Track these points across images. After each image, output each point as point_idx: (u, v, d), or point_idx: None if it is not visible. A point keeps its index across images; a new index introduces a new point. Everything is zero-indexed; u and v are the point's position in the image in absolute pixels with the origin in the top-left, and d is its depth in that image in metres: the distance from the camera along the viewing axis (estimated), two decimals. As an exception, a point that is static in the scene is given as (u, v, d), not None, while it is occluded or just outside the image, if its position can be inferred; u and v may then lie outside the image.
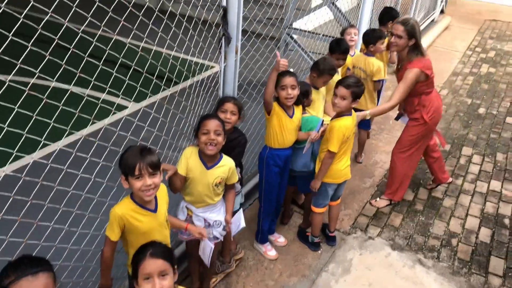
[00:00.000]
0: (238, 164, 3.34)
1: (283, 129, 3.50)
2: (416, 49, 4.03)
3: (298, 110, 3.60)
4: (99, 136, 2.61)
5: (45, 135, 2.32)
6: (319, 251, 4.05)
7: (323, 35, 6.12)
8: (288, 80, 3.37)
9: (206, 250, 2.89)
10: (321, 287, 3.68)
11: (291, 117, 3.51)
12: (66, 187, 2.55)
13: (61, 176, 2.47)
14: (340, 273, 3.82)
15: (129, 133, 2.88)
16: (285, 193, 4.01)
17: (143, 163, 2.24)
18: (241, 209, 3.29)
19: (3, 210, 2.17)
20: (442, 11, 11.92)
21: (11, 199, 2.22)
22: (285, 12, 6.65)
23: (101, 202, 2.79)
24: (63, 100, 2.34)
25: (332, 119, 3.64)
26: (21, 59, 1.95)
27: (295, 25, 6.77)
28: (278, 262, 3.91)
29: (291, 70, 3.46)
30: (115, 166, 2.75)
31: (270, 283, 3.70)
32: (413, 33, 3.97)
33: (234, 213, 3.19)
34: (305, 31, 6.45)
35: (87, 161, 2.61)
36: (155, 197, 2.45)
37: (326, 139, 3.58)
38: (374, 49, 4.77)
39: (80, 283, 2.73)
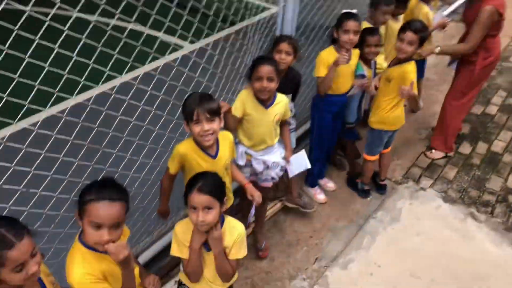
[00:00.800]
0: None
1: (339, 74, 3.44)
2: None
3: (354, 55, 3.51)
4: (158, 70, 2.70)
5: (108, 68, 2.42)
6: (368, 199, 4.06)
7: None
8: (352, 25, 3.27)
9: (252, 212, 2.95)
10: (368, 232, 3.73)
11: (348, 61, 3.44)
12: (129, 117, 2.68)
13: (123, 107, 2.59)
14: (388, 221, 3.84)
15: (186, 69, 2.93)
16: (336, 139, 4.00)
17: (201, 109, 2.30)
18: (304, 150, 3.29)
19: (73, 135, 2.33)
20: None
21: (79, 126, 2.37)
22: None
23: (161, 134, 2.91)
24: (124, 35, 2.41)
25: (392, 65, 3.53)
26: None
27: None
28: (326, 206, 3.98)
29: (355, 11, 3.33)
30: (173, 101, 2.86)
31: (317, 225, 3.79)
32: None
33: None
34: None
35: (147, 94, 2.70)
36: (217, 144, 2.52)
37: (392, 88, 3.48)
38: None
39: (140, 208, 2.91)
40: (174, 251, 2.23)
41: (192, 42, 3.44)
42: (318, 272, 3.39)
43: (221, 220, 2.20)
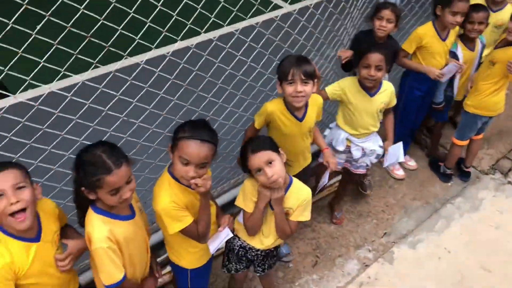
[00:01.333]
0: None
1: (433, 52, 3.29)
2: None
3: (453, 33, 3.32)
4: (259, 24, 2.76)
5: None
6: (449, 183, 3.92)
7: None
8: (462, 6, 3.09)
9: (326, 177, 2.97)
10: (443, 217, 3.62)
11: (444, 40, 3.27)
12: (226, 65, 2.80)
13: (222, 55, 2.70)
14: (466, 209, 3.70)
15: (280, 34, 2.95)
16: (422, 119, 3.86)
17: (297, 70, 2.33)
18: (401, 142, 3.23)
19: (173, 75, 2.49)
20: None
21: (180, 66, 2.51)
22: None
23: (252, 86, 3.01)
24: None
25: (499, 47, 3.30)
26: None
27: None
28: (403, 184, 3.90)
29: None
30: (269, 56, 2.92)
31: (391, 201, 3.75)
32: None
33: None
34: None
35: (245, 45, 2.78)
36: (306, 107, 2.55)
37: (496, 71, 3.27)
38: None
39: (224, 154, 3.05)
40: (239, 203, 2.33)
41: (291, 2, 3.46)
42: (384, 246, 3.38)
43: (290, 182, 2.25)
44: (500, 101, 3.43)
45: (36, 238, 1.80)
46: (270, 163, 2.10)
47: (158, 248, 2.70)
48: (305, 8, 3.20)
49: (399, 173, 3.94)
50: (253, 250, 2.43)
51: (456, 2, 3.07)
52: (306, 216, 2.30)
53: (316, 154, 3.12)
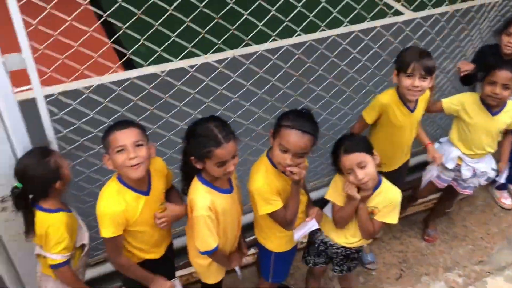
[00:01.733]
0: None
1: None
2: None
3: None
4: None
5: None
6: None
7: None
8: None
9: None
10: (552, 257, 3.30)
11: None
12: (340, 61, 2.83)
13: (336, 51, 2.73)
14: None
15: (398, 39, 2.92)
16: None
17: (418, 64, 2.30)
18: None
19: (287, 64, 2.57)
20: None
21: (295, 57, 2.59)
22: None
23: (363, 85, 3.01)
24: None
25: None
26: None
27: None
28: (510, 214, 3.62)
29: None
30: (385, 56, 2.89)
31: (493, 230, 3.50)
32: None
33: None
34: None
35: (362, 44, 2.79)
36: (416, 101, 2.51)
37: None
38: None
39: (322, 149, 3.08)
40: (329, 195, 2.35)
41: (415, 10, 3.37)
42: (477, 274, 3.17)
43: (379, 182, 2.23)
44: None
45: (146, 192, 2.00)
46: (363, 165, 2.09)
47: (247, 229, 2.81)
48: (427, 17, 3.11)
49: (507, 202, 3.66)
50: (334, 247, 2.43)
51: None
52: (392, 218, 2.27)
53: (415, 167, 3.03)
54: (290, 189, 2.13)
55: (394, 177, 2.48)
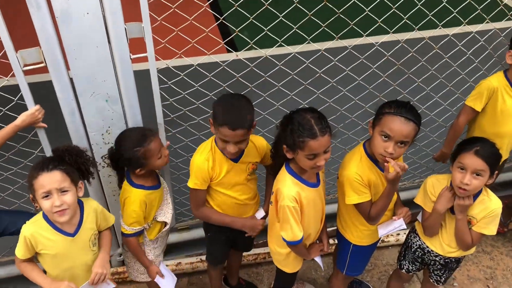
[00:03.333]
0: None
1: None
2: None
3: None
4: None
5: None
6: None
7: None
8: None
9: None
10: None
11: None
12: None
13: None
14: None
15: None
16: None
17: None
18: None
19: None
20: None
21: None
22: None
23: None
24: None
25: None
26: None
27: None
28: None
29: None
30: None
31: None
32: None
33: None
34: None
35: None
36: None
37: None
38: None
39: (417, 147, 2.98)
40: (419, 200, 2.27)
41: None
42: None
43: (479, 190, 2.10)
44: None
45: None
46: (477, 174, 1.98)
47: (329, 219, 2.81)
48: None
49: None
50: (432, 254, 2.33)
51: None
52: (491, 230, 2.13)
53: None
54: (384, 187, 2.07)
55: None
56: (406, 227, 2.24)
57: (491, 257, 3.17)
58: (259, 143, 2.20)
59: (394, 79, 2.80)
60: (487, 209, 2.09)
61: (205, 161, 2.07)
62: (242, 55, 2.52)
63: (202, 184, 2.11)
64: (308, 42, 2.39)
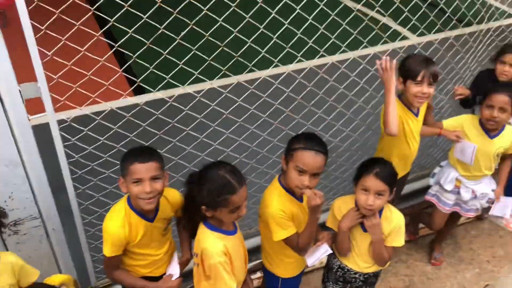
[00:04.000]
0: None
1: None
2: None
3: None
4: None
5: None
6: None
7: None
8: None
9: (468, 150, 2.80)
10: (559, 280, 3.29)
11: None
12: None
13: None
14: None
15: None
16: None
17: (426, 71, 2.38)
18: None
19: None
20: None
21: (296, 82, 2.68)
22: None
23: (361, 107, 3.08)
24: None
25: None
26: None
27: None
28: (517, 238, 3.62)
29: None
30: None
31: (499, 252, 3.49)
32: None
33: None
34: None
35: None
36: (418, 109, 2.61)
37: None
38: None
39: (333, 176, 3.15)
40: (329, 223, 2.38)
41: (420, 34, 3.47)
42: (484, 298, 3.17)
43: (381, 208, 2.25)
44: None
45: (151, 219, 2.06)
46: (379, 194, 2.13)
47: (253, 252, 2.84)
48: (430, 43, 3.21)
49: (514, 225, 3.67)
50: (351, 272, 2.43)
51: None
52: (400, 241, 2.29)
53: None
54: (307, 216, 2.12)
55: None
56: (332, 251, 2.33)
57: (407, 265, 3.38)
58: (172, 196, 2.17)
59: (299, 111, 2.96)
60: (392, 224, 2.25)
61: (121, 228, 1.99)
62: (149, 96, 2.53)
63: (118, 250, 2.03)
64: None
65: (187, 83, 2.50)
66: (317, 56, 2.76)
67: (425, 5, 2.94)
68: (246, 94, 2.61)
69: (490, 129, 2.73)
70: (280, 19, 2.47)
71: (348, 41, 2.85)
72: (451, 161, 2.95)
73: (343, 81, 2.98)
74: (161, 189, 1.95)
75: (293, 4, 2.46)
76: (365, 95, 3.08)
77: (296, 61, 2.79)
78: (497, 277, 3.31)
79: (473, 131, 2.77)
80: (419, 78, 2.38)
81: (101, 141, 2.37)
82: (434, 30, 3.28)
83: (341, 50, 2.88)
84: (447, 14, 3.20)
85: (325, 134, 2.96)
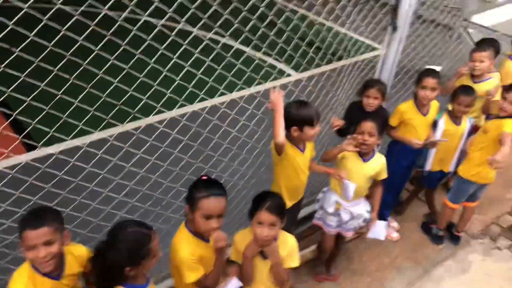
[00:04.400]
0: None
1: (415, 125, 3.70)
2: None
3: (433, 107, 3.74)
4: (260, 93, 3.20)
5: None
6: (440, 246, 4.15)
7: (503, 34, 5.79)
8: (430, 82, 3.51)
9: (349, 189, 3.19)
10: (434, 278, 3.83)
11: (425, 115, 3.69)
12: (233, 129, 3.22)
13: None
14: (456, 271, 3.91)
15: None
16: (405, 185, 4.24)
17: (316, 115, 2.80)
18: (386, 222, 3.52)
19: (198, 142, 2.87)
20: None
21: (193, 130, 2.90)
22: (463, 2, 6.36)
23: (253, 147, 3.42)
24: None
25: (491, 118, 3.65)
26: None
27: (475, 18, 6.46)
28: (397, 245, 4.14)
29: (438, 68, 3.55)
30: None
31: (385, 261, 3.97)
32: None
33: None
34: (484, 27, 6.16)
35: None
36: (304, 144, 2.97)
37: (487, 141, 3.57)
38: None
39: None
40: (232, 256, 2.59)
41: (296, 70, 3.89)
42: (376, 304, 3.59)
43: None
44: (490, 171, 3.64)
45: (57, 277, 2.10)
46: (272, 225, 2.38)
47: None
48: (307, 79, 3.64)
49: (394, 235, 4.19)
50: None
51: (424, 77, 3.52)
52: (296, 262, 2.56)
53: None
54: (215, 258, 2.33)
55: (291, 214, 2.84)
56: (241, 284, 2.48)
57: (308, 285, 3.71)
58: (78, 251, 2.23)
59: (199, 155, 3.17)
60: (287, 246, 2.53)
61: None
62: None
63: None
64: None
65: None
66: (218, 94, 2.99)
67: (303, 45, 3.33)
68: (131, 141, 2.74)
69: (364, 154, 3.17)
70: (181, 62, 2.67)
71: (242, 79, 3.10)
72: (332, 185, 3.34)
73: (238, 118, 3.25)
74: (57, 251, 2.00)
75: (192, 49, 2.64)
76: (255, 135, 3.39)
77: (178, 106, 2.95)
78: (386, 283, 3.76)
79: (351, 157, 3.19)
80: (314, 122, 2.79)
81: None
82: (313, 66, 3.71)
83: (238, 88, 3.15)
84: (322, 51, 3.65)
85: (222, 174, 3.21)
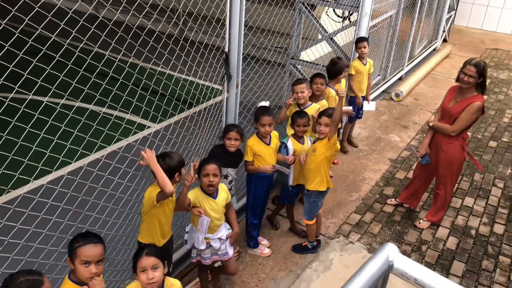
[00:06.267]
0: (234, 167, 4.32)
1: (263, 156, 4.35)
2: (482, 86, 4.58)
3: (274, 136, 4.45)
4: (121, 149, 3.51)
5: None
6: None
7: (323, 65, 6.92)
8: (266, 119, 4.22)
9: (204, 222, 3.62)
10: (304, 280, 4.43)
11: (268, 144, 4.38)
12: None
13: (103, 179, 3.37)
14: (321, 270, 4.57)
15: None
16: (267, 205, 4.86)
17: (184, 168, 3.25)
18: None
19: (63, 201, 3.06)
20: (445, 40, 12.67)
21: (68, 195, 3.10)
22: (290, 42, 7.44)
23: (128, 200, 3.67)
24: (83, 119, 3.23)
25: (316, 140, 4.43)
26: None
27: (301, 55, 7.56)
28: (271, 259, 4.68)
29: (267, 104, 4.33)
30: (140, 175, 3.64)
31: (262, 276, 4.47)
32: (483, 73, 4.47)
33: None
34: (308, 62, 7.27)
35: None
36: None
37: (317, 157, 4.26)
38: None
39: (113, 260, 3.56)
40: None
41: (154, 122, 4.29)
42: (261, 314, 4.03)
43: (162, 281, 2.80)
44: (328, 178, 4.44)
45: None
46: (155, 268, 2.65)
47: None
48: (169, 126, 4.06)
49: (266, 251, 4.73)
50: None
51: (261, 116, 4.24)
52: None
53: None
54: None
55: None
56: None
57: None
58: None
59: (78, 215, 3.35)
60: None
61: None
62: None
63: None
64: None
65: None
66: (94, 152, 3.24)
67: (156, 97, 3.75)
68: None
69: (211, 192, 3.64)
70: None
71: (101, 138, 3.39)
72: (194, 225, 3.72)
73: (113, 174, 3.53)
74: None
75: (46, 118, 2.89)
76: (130, 188, 3.68)
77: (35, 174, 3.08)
78: (266, 295, 4.25)
79: (203, 198, 3.62)
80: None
81: None
82: (168, 116, 4.14)
83: (96, 147, 3.40)
84: (174, 100, 4.11)
85: (102, 230, 3.43)
